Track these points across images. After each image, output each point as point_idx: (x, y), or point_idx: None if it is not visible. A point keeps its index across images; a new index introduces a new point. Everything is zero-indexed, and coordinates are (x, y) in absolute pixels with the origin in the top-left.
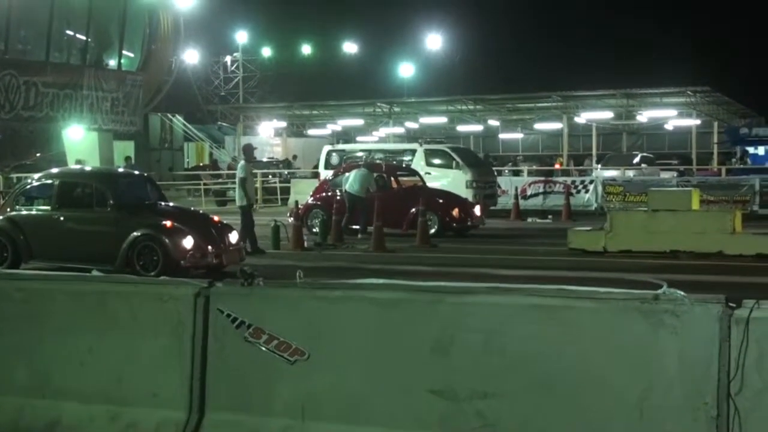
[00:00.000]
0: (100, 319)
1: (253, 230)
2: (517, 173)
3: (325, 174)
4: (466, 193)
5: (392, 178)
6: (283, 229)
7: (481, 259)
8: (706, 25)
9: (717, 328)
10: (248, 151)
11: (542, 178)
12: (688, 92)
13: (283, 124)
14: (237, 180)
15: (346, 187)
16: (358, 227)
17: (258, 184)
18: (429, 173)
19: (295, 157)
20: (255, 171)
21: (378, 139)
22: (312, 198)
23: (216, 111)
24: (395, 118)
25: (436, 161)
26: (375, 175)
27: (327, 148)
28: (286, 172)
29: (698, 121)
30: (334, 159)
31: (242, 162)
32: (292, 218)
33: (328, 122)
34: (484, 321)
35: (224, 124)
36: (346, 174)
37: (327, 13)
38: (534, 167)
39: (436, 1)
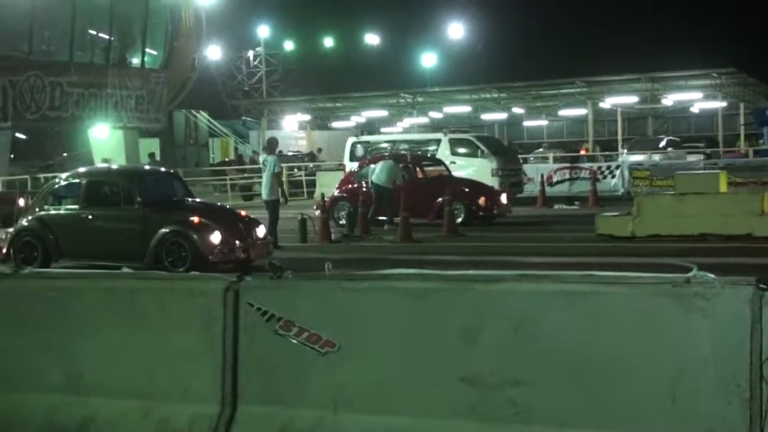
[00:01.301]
0: (130, 316)
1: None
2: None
3: (351, 166)
4: (492, 182)
5: (417, 168)
6: (309, 222)
7: (508, 247)
8: (731, 4)
9: (748, 310)
10: (272, 144)
11: (568, 165)
12: (714, 74)
13: (307, 117)
14: (268, 174)
15: (373, 178)
16: (385, 218)
17: (284, 178)
18: (454, 162)
19: (320, 150)
20: (281, 165)
21: (402, 129)
22: (338, 190)
23: (240, 106)
24: (419, 109)
25: (461, 150)
26: (401, 165)
27: (351, 139)
28: (311, 165)
29: (724, 103)
30: (359, 151)
31: (272, 156)
32: (318, 211)
33: (352, 114)
34: (513, 309)
35: (248, 118)
36: (372, 165)
37: (348, 4)
38: (559, 154)
39: None
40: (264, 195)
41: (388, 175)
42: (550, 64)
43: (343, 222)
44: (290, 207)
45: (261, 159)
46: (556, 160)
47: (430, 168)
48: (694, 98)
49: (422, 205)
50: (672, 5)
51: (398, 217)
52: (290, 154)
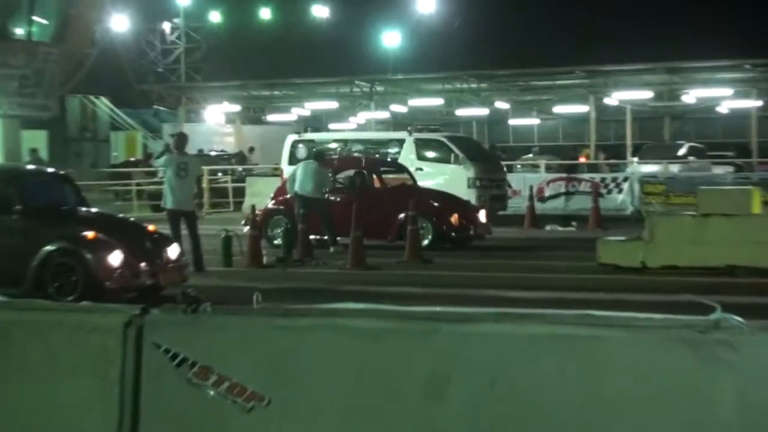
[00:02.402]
0: (3, 358)
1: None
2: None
3: (290, 171)
4: (468, 194)
5: (374, 176)
6: (236, 240)
7: (486, 277)
8: None
9: None
10: (181, 141)
11: (564, 175)
12: (747, 66)
13: (237, 107)
14: (168, 178)
15: (297, 187)
16: (326, 238)
17: (205, 184)
18: (421, 169)
19: (251, 149)
20: (202, 167)
21: (356, 126)
22: (273, 201)
23: (151, 92)
24: (378, 101)
25: (430, 154)
26: (357, 172)
27: (292, 137)
28: (240, 169)
29: (759, 102)
30: (301, 152)
31: (173, 156)
32: (247, 227)
33: (293, 105)
34: (490, 356)
35: (162, 108)
36: (293, 171)
37: None
38: (554, 161)
39: None
40: (189, 204)
41: (315, 183)
42: (544, 48)
43: (278, 242)
44: (212, 221)
45: (157, 160)
46: (549, 168)
47: (391, 176)
48: (723, 95)
49: (379, 223)
50: None
51: (341, 237)
52: (213, 154)
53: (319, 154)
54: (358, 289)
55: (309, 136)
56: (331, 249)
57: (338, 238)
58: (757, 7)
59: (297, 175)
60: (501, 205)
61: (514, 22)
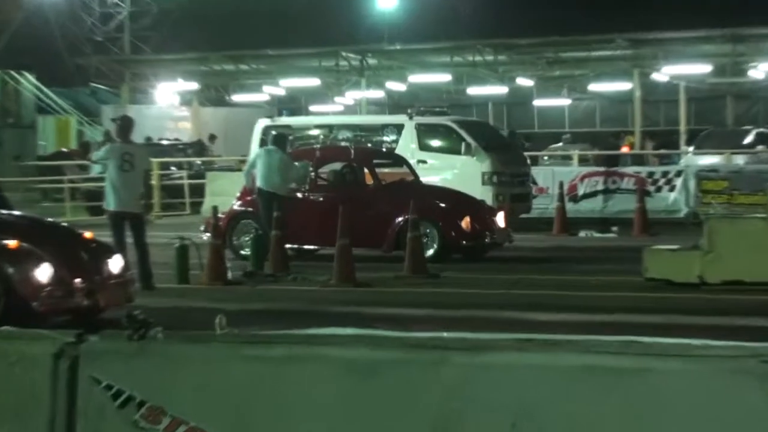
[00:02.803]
0: None
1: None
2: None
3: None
4: (483, 193)
5: (366, 170)
6: (193, 250)
7: (506, 296)
8: None
9: None
10: (125, 126)
11: (602, 169)
12: None
13: (194, 86)
14: (110, 177)
15: (259, 182)
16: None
17: (155, 181)
18: (424, 161)
19: (213, 137)
20: (152, 159)
21: (344, 108)
22: (240, 202)
23: (88, 67)
24: (370, 77)
25: (435, 143)
26: (343, 165)
27: (263, 123)
28: (198, 162)
29: None
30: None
31: (111, 147)
32: (207, 234)
33: (264, 83)
34: (511, 393)
35: (101, 86)
36: (251, 159)
37: None
38: (589, 151)
39: None
40: (135, 207)
41: (283, 175)
42: (577, 12)
43: (246, 251)
44: (164, 227)
45: (96, 153)
46: (583, 160)
47: (386, 170)
48: None
49: (372, 228)
50: None
51: (314, 245)
52: (165, 143)
53: (279, 139)
54: (346, 311)
55: (284, 120)
56: (230, 263)
57: (319, 248)
58: None
59: (257, 166)
60: (524, 206)
61: None
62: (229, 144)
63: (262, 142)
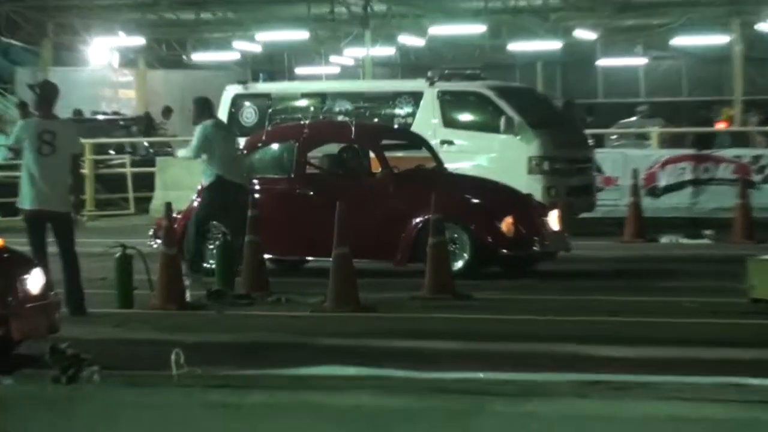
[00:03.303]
0: None
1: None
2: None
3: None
4: (529, 185)
5: (372, 154)
6: (139, 262)
7: (560, 324)
8: None
9: None
10: (46, 96)
11: (691, 152)
12: None
13: (141, 41)
14: (27, 165)
15: (219, 169)
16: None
17: (87, 170)
18: (450, 142)
19: (168, 111)
20: (82, 140)
21: (341, 71)
22: (201, 197)
23: None
24: (377, 28)
25: (465, 117)
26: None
27: (234, 91)
28: (146, 144)
29: None
30: (248, 114)
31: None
32: (158, 241)
33: (235, 37)
34: None
35: (13, 42)
36: (199, 135)
37: None
38: (673, 128)
39: None
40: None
41: (242, 158)
42: None
43: (211, 264)
44: (97, 231)
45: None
46: (665, 141)
47: (399, 154)
48: None
49: (380, 233)
50: None
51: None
52: (101, 118)
53: (208, 105)
54: (345, 344)
55: (262, 87)
56: (188, 281)
57: (311, 258)
58: None
59: (213, 146)
60: (585, 203)
61: None
62: (187, 119)
63: (232, 116)
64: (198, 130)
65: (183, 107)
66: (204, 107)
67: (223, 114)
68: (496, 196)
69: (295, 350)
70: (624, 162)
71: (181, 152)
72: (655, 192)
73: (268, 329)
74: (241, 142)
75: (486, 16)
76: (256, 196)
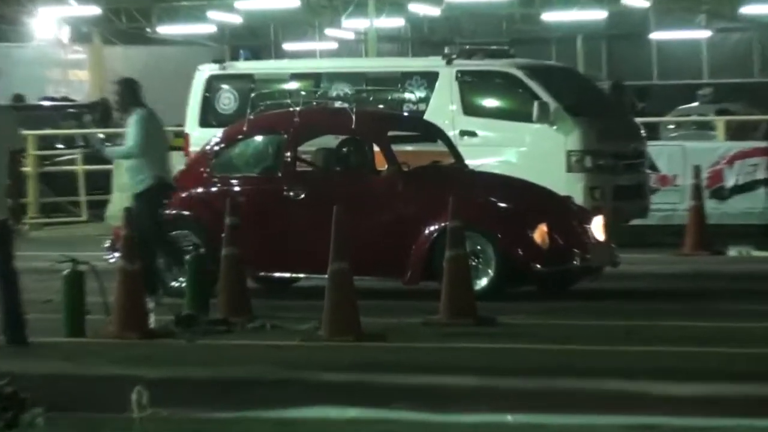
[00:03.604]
0: None
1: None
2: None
3: (200, 138)
4: (568, 186)
5: (376, 148)
6: (93, 281)
7: (607, 355)
8: None
9: None
10: None
11: (763, 146)
12: None
13: (96, 11)
14: None
15: (156, 169)
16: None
17: (30, 167)
18: (472, 134)
19: None
20: (24, 132)
21: (338, 48)
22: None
23: None
24: None
25: (490, 103)
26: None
27: (207, 71)
28: (101, 137)
29: None
30: (227, 99)
31: None
32: (116, 254)
33: (210, 6)
34: None
35: None
36: (139, 131)
37: None
38: (743, 116)
39: None
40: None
41: (163, 161)
42: None
43: (179, 283)
44: (40, 242)
45: None
46: (731, 131)
47: (410, 147)
48: None
49: (386, 245)
50: None
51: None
52: (47, 105)
53: (133, 86)
54: (344, 380)
55: (243, 66)
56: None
57: (302, 275)
58: None
59: (150, 140)
60: (636, 207)
61: None
62: (152, 105)
63: (207, 102)
64: (134, 120)
65: (147, 91)
66: (134, 91)
67: (195, 99)
68: (528, 200)
69: (282, 388)
70: (683, 157)
71: (117, 150)
72: (721, 194)
73: (249, 362)
74: (219, 133)
75: None
76: (237, 199)
